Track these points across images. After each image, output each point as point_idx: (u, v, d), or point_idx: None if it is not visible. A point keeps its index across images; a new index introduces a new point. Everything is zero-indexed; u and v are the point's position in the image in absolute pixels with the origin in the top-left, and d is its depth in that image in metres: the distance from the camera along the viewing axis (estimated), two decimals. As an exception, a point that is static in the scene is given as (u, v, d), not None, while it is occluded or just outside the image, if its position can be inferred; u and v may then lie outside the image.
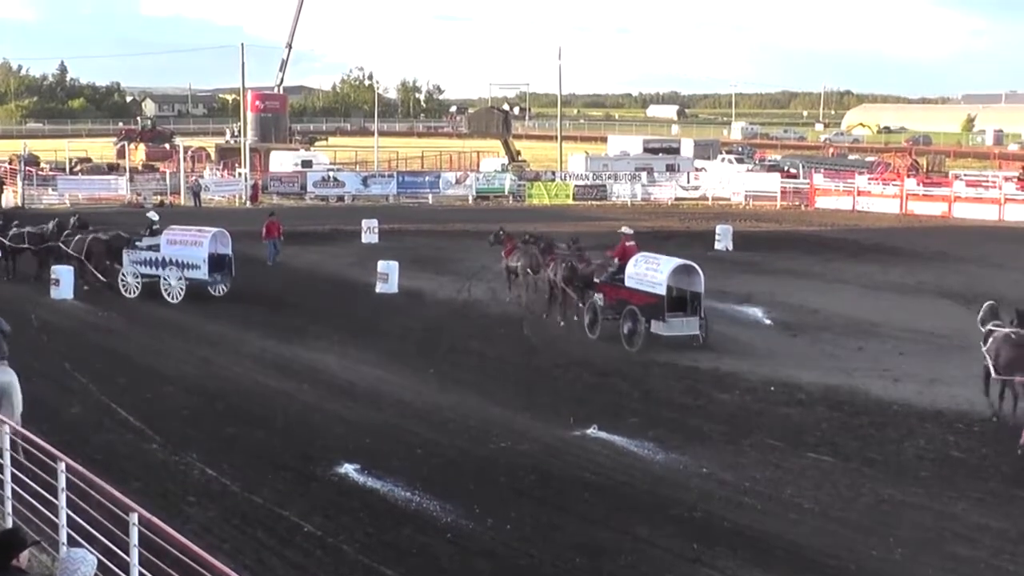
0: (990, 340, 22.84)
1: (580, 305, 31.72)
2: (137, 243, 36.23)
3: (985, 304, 24.45)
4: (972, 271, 41.29)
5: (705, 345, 28.88)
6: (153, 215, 39.44)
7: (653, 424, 21.96)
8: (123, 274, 35.81)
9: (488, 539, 16.30)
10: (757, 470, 19.29)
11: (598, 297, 30.70)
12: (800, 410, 23.23)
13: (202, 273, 35.09)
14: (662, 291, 28.85)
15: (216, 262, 35.44)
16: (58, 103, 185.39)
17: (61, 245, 37.46)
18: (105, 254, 36.60)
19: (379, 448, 20.29)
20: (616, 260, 31.62)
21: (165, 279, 35.13)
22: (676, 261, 29.99)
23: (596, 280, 31.35)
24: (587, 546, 16.07)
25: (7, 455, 13.94)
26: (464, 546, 16.05)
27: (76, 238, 37.29)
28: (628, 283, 29.94)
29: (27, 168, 70.59)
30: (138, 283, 35.62)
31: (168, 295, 34.98)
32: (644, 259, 30.42)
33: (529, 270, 34.57)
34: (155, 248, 35.70)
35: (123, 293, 35.48)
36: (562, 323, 32.08)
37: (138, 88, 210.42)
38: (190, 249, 35.30)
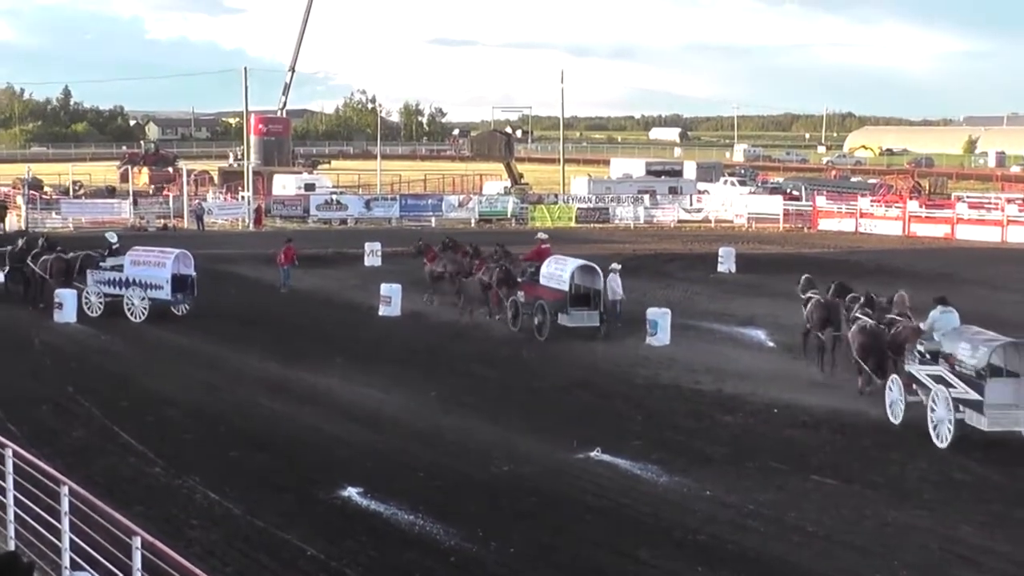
0: (808, 305, 29.40)
1: (505, 303, 35.17)
2: (101, 263, 36.57)
3: (802, 277, 31.26)
4: (975, 292, 41.13)
5: (708, 368, 28.90)
6: (111, 236, 39.67)
7: (656, 447, 21.93)
8: (87, 293, 36.10)
9: (491, 562, 16.27)
10: (760, 493, 19.25)
11: (520, 295, 34.41)
12: (803, 432, 23.21)
13: (165, 293, 35.58)
14: (566, 287, 33.03)
15: (179, 282, 35.87)
16: (62, 127, 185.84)
17: (29, 263, 37.89)
18: (65, 272, 36.85)
19: (382, 471, 20.27)
20: (525, 262, 36.44)
21: (128, 299, 35.60)
22: (579, 262, 34.23)
23: (519, 280, 35.11)
24: (590, 569, 16.06)
25: (10, 479, 13.95)
26: (467, 569, 16.03)
27: (42, 258, 37.67)
28: (542, 281, 34.02)
29: (30, 192, 70.70)
30: (101, 302, 35.99)
31: (131, 314, 35.40)
32: (555, 260, 34.87)
33: (456, 274, 38.23)
34: (119, 268, 36.09)
35: (86, 311, 35.69)
36: (489, 318, 35.96)
37: (141, 112, 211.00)
38: (153, 270, 35.79)
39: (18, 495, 13.93)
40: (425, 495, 18.84)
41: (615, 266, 34.92)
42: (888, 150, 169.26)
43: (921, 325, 24.68)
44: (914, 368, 23.71)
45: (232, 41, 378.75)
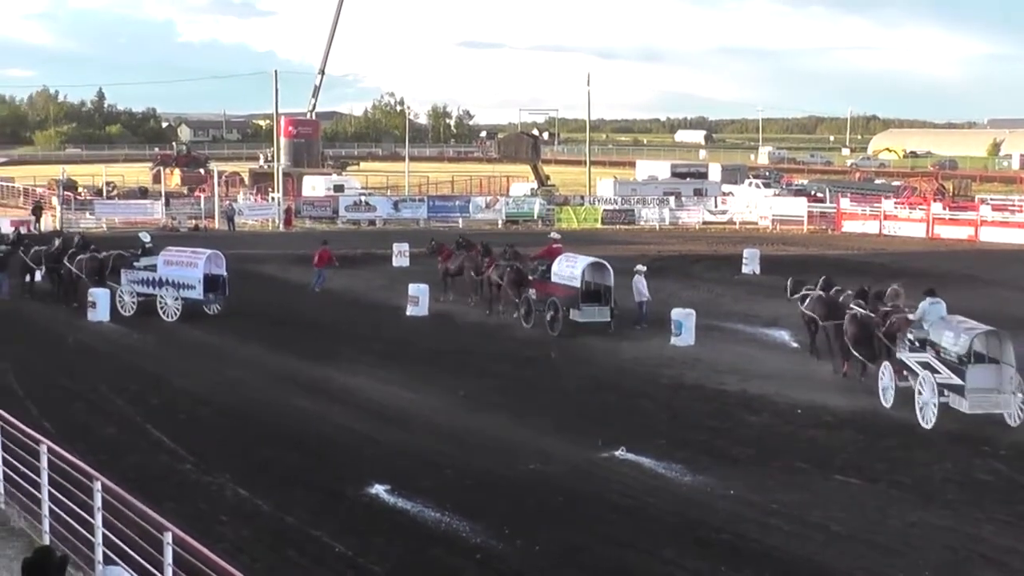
0: (807, 299, 30.33)
1: (516, 300, 35.98)
2: (135, 263, 36.75)
3: (789, 280, 32.61)
4: (999, 294, 40.96)
5: (733, 368, 28.85)
6: (145, 236, 40.08)
7: (681, 446, 21.89)
8: (120, 292, 36.33)
9: (517, 560, 16.27)
10: (785, 492, 19.19)
11: (531, 292, 35.04)
12: (827, 433, 23.12)
13: (197, 293, 35.74)
14: (578, 284, 33.68)
15: (211, 282, 35.99)
16: (96, 129, 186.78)
17: (65, 263, 38.34)
18: (99, 272, 37.14)
19: (409, 469, 20.29)
20: (534, 260, 37.31)
21: (162, 298, 35.79)
22: (589, 259, 34.86)
23: (530, 278, 35.88)
24: (614, 568, 16.03)
25: (45, 474, 14.03)
26: (493, 567, 16.03)
27: (77, 257, 38.07)
28: (553, 279, 34.74)
29: (65, 193, 71.17)
30: (134, 301, 36.18)
31: (164, 313, 35.58)
32: (566, 258, 35.52)
33: (472, 272, 38.74)
34: (152, 268, 36.29)
35: (119, 310, 35.95)
36: (488, 314, 37.00)
37: (174, 114, 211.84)
38: (186, 270, 35.99)
39: (52, 490, 14.01)
40: (452, 493, 18.85)
41: (640, 268, 35.07)
42: (912, 153, 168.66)
43: (911, 316, 25.83)
44: (905, 355, 24.98)
45: (263, 43, 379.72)
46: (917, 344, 24.86)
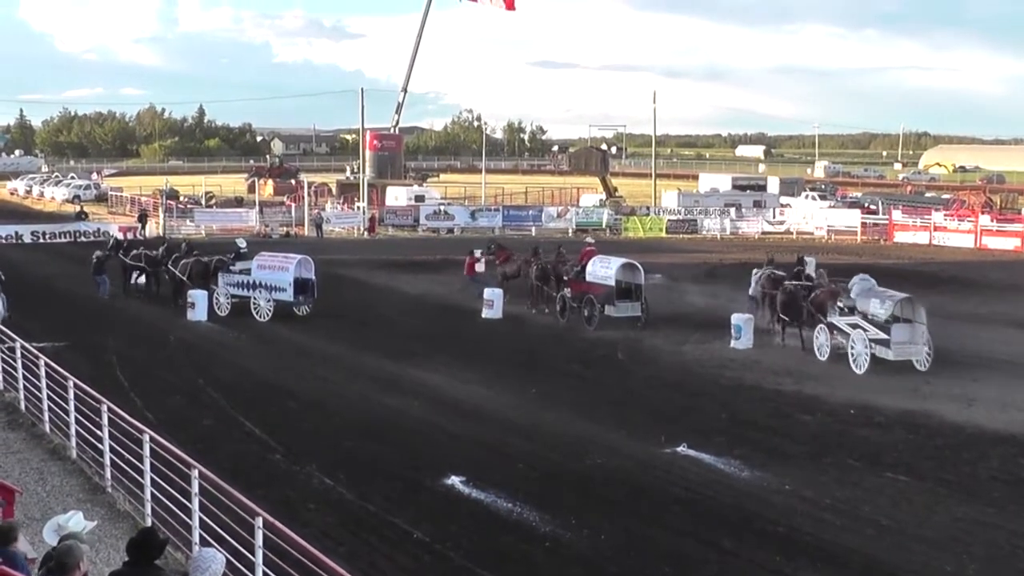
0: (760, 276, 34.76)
1: (553, 296, 37.42)
2: (230, 267, 37.08)
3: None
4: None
5: (789, 370, 28.68)
6: (241, 241, 40.66)
7: (739, 443, 21.77)
8: (217, 294, 36.66)
9: (583, 548, 16.26)
10: (837, 488, 19.03)
11: (567, 291, 36.37)
12: (878, 432, 22.89)
13: (288, 295, 36.04)
14: (612, 283, 35.20)
15: (301, 285, 36.23)
16: (196, 143, 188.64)
17: (170, 266, 38.86)
18: (204, 275, 37.60)
19: (484, 462, 20.34)
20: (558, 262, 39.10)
21: (255, 300, 36.10)
22: (622, 260, 36.42)
23: (565, 278, 37.39)
24: (675, 556, 15.97)
25: (147, 462, 14.21)
26: (561, 554, 16.03)
27: (182, 261, 38.56)
28: (588, 279, 36.02)
29: (168, 201, 72.09)
30: (229, 303, 36.52)
31: (257, 314, 35.87)
32: (599, 260, 36.93)
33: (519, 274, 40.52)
34: (247, 271, 36.61)
35: (216, 311, 36.28)
36: (533, 311, 38.07)
37: (268, 129, 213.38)
38: (278, 273, 36.29)
39: (154, 477, 14.20)
40: (523, 485, 18.87)
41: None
42: (961, 167, 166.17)
43: (840, 288, 30.83)
44: (835, 319, 29.91)
45: (352, 63, 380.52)
46: (847, 310, 29.63)
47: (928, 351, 28.51)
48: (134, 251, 41.61)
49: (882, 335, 28.46)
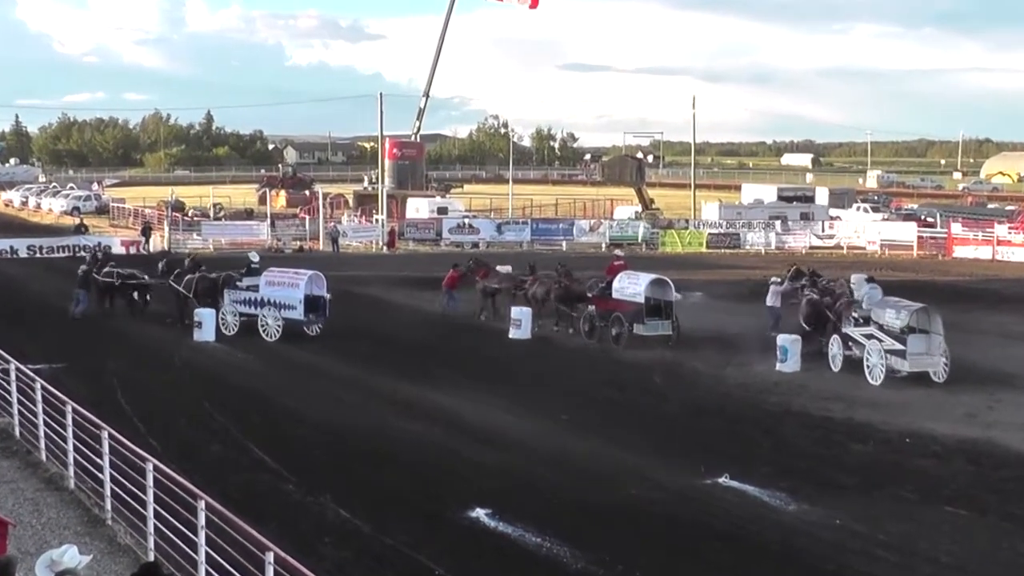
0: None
1: (573, 315, 37.86)
2: (238, 283, 37.17)
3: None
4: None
5: (839, 395, 28.56)
6: (253, 255, 40.70)
7: (785, 474, 21.66)
8: (223, 312, 36.71)
9: (617, 586, 16.19)
10: (892, 523, 18.91)
11: (591, 308, 36.59)
12: (935, 462, 22.74)
13: (298, 313, 36.09)
14: (641, 300, 35.24)
15: (311, 303, 36.26)
16: (204, 151, 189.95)
17: (171, 283, 38.77)
18: (211, 292, 37.64)
19: (510, 493, 20.29)
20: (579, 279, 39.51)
21: (263, 318, 36.14)
22: (651, 276, 36.65)
23: (588, 295, 37.59)
24: (717, 596, 15.89)
25: (151, 492, 14.25)
26: (593, 592, 15.97)
27: (186, 277, 38.58)
28: (615, 295, 36.22)
29: (173, 214, 72.47)
30: (236, 321, 36.52)
31: (265, 334, 35.92)
32: (627, 275, 37.28)
33: (514, 290, 40.71)
34: (254, 288, 36.67)
35: (222, 330, 36.25)
36: (538, 329, 37.79)
37: (280, 136, 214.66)
38: (287, 290, 36.35)
39: (158, 508, 14.23)
40: (553, 518, 18.81)
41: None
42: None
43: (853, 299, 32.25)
44: (850, 330, 31.04)
45: (370, 66, 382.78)
46: (861, 321, 30.82)
47: (945, 362, 29.46)
48: (106, 268, 40.80)
49: (898, 346, 29.47)
